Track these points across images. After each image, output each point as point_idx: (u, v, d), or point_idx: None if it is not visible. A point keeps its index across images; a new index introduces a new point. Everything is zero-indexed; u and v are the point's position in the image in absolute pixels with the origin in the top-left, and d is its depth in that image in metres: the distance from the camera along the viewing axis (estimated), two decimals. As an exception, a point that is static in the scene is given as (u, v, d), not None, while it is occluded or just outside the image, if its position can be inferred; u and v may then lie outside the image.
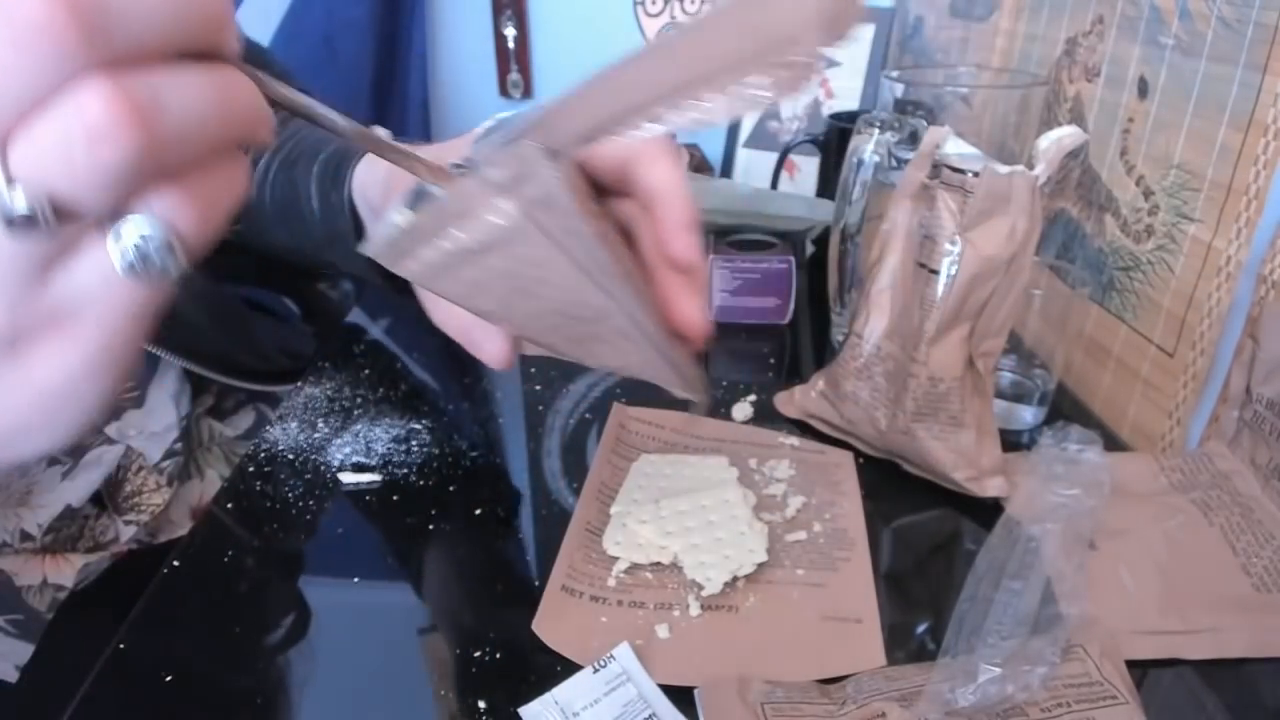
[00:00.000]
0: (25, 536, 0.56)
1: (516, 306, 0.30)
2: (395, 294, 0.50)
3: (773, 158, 0.92)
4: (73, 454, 0.59)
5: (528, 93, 1.21)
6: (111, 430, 0.60)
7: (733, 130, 1.12)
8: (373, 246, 0.28)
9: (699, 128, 0.26)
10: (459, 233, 0.27)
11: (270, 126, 0.22)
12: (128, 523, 0.61)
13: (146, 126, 0.18)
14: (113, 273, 0.20)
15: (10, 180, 0.18)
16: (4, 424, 0.24)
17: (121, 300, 0.22)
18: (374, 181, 0.48)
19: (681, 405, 0.59)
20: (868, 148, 0.58)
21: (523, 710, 0.37)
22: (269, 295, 0.77)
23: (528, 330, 0.32)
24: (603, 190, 0.34)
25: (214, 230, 0.21)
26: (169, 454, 0.63)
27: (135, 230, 0.20)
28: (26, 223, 0.18)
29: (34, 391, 0.23)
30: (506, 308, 0.30)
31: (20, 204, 0.18)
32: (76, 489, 0.58)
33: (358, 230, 0.51)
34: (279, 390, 0.73)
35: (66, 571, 0.58)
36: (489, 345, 0.37)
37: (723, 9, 0.24)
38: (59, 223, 0.19)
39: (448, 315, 0.39)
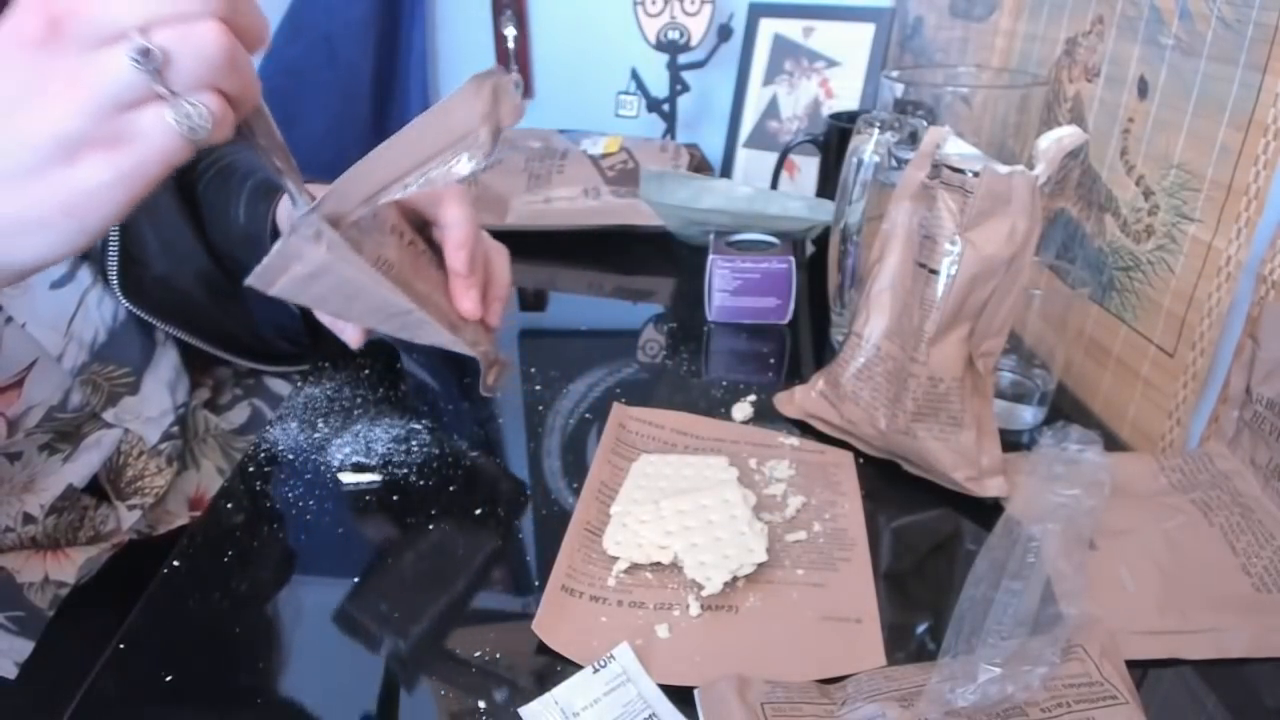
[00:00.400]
0: (28, 519, 0.57)
1: (352, 308, 0.47)
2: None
3: (773, 158, 0.92)
4: (72, 440, 0.60)
5: (528, 92, 1.21)
6: (109, 415, 0.61)
7: (733, 130, 1.12)
8: (251, 277, 0.43)
9: (431, 187, 0.43)
10: (298, 267, 0.43)
11: (250, 108, 0.37)
12: (131, 507, 0.62)
13: (227, 50, 0.32)
14: (164, 123, 0.32)
15: (147, 39, 0.31)
16: (32, 214, 0.33)
17: (159, 142, 0.33)
18: (285, 208, 0.60)
19: (681, 406, 0.60)
20: (868, 148, 0.58)
21: (523, 710, 0.37)
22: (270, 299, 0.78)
23: (366, 322, 0.50)
24: (426, 223, 0.52)
25: (222, 134, 0.34)
26: (166, 436, 0.65)
27: (188, 105, 0.32)
28: (145, 57, 0.30)
29: (69, 190, 0.32)
30: (346, 309, 0.47)
31: (149, 48, 0.31)
32: (78, 470, 0.59)
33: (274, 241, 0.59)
34: (272, 371, 0.75)
35: (68, 568, 0.58)
36: (348, 332, 0.54)
37: (421, 119, 0.42)
38: (158, 71, 0.31)
39: (321, 315, 0.54)
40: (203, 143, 0.33)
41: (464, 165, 0.41)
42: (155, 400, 0.64)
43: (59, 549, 0.59)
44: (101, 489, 0.62)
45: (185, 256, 0.65)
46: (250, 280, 0.43)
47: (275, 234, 0.61)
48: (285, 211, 0.60)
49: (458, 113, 0.41)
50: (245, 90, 0.35)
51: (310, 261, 0.43)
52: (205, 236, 0.67)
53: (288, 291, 0.44)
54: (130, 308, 0.61)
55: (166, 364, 0.67)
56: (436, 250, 0.53)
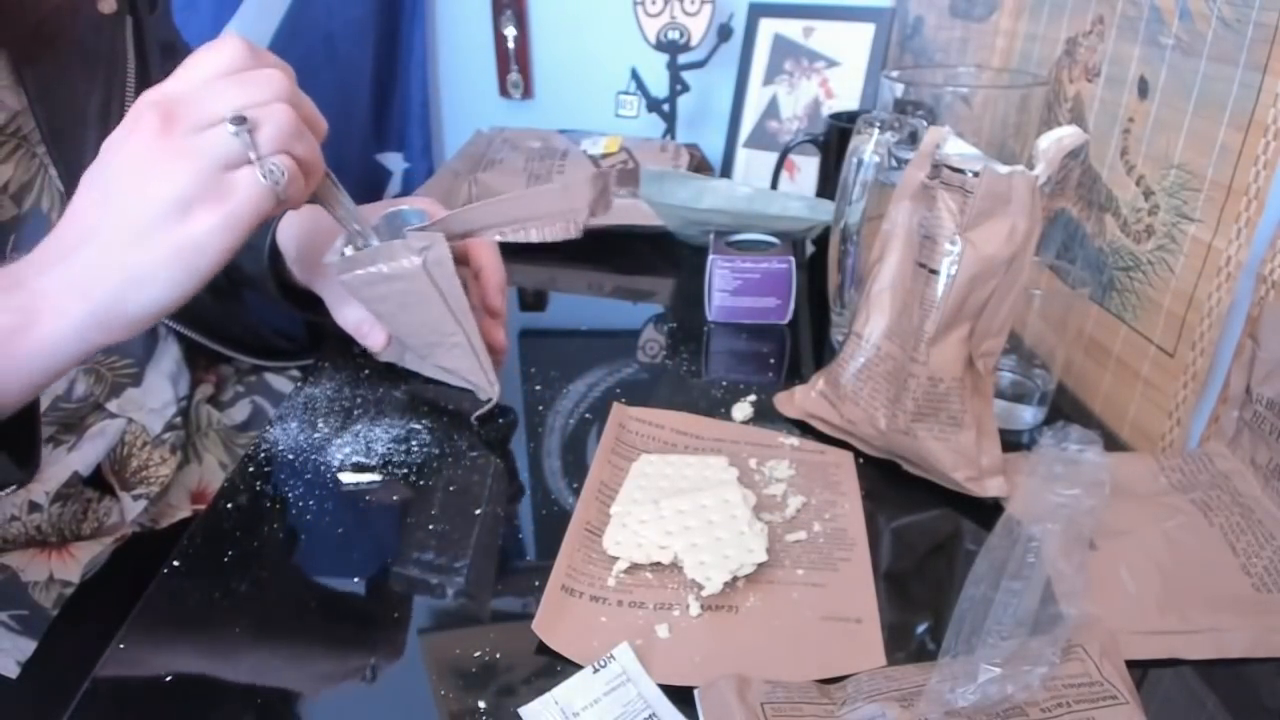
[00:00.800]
0: (33, 507, 0.58)
1: (399, 316, 0.54)
2: (282, 301, 0.66)
3: (773, 158, 0.92)
4: (75, 430, 0.61)
5: (528, 93, 1.21)
6: (112, 406, 0.63)
7: (733, 130, 1.12)
8: (331, 261, 0.51)
9: (520, 240, 0.52)
10: (383, 266, 0.50)
11: (318, 177, 0.46)
12: (136, 497, 0.63)
13: (295, 122, 0.42)
14: (255, 178, 0.41)
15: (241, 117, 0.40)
16: (149, 267, 0.40)
17: (252, 193, 0.41)
18: (290, 225, 0.64)
19: (681, 406, 0.60)
20: (868, 148, 0.58)
21: (523, 710, 0.37)
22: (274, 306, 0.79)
23: (399, 332, 0.57)
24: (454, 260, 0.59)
25: (296, 190, 0.43)
26: (169, 427, 0.66)
27: (272, 163, 0.41)
28: (240, 124, 0.40)
29: (182, 240, 0.40)
30: (393, 316, 0.55)
31: (243, 115, 0.40)
32: (82, 457, 0.61)
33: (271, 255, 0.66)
34: (272, 367, 0.77)
35: (72, 568, 0.59)
36: (374, 336, 0.59)
37: (544, 189, 0.51)
38: (250, 134, 0.40)
39: (345, 318, 0.60)
40: (282, 196, 0.42)
41: (562, 232, 0.51)
42: (157, 392, 0.66)
43: (64, 547, 0.60)
44: (105, 482, 0.63)
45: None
46: (328, 258, 0.52)
47: (275, 248, 0.64)
48: (287, 226, 0.64)
49: (573, 192, 0.50)
50: (311, 157, 0.44)
51: (396, 266, 0.50)
52: None
53: (356, 282, 0.52)
54: None
55: (168, 358, 0.68)
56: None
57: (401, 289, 0.51)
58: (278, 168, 0.41)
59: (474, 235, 0.52)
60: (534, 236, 0.51)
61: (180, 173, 0.39)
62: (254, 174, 0.41)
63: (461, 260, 0.58)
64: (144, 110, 0.40)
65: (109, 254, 0.40)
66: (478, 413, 0.57)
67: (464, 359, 0.55)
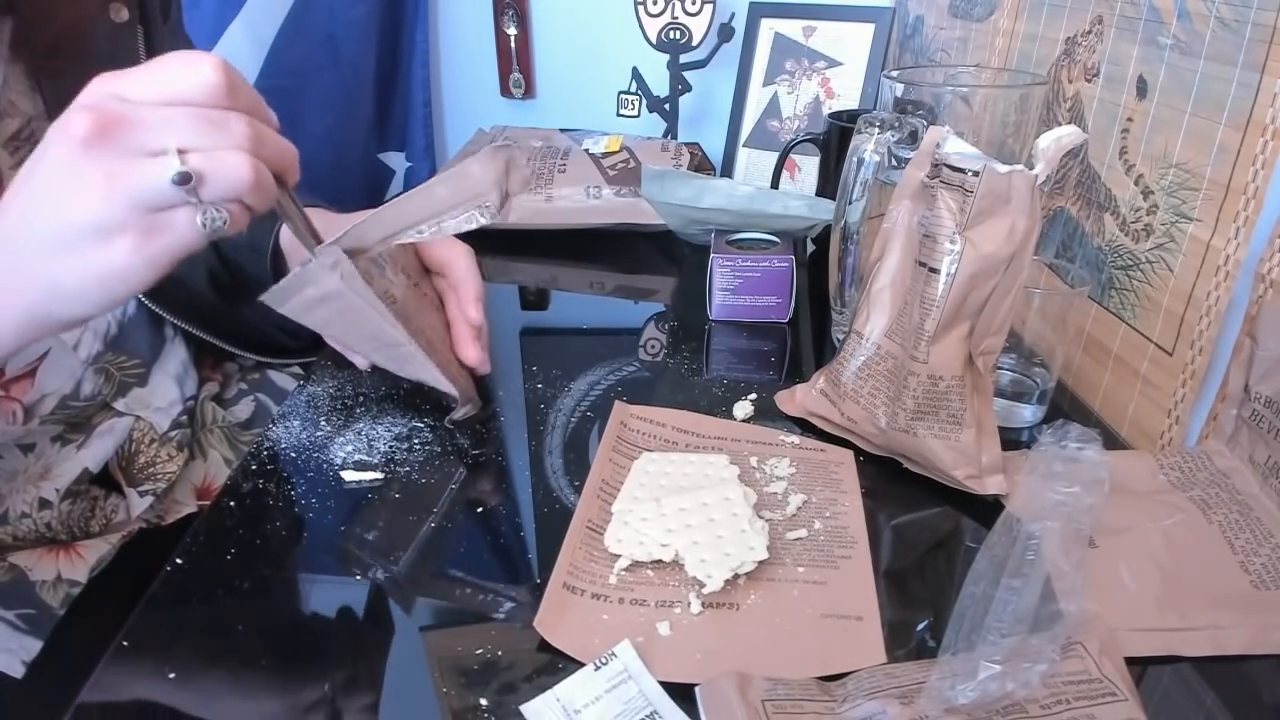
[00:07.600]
0: (43, 504, 0.59)
1: (350, 333, 0.53)
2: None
3: (773, 157, 0.92)
4: (83, 430, 0.61)
5: (529, 92, 1.21)
6: (119, 405, 0.63)
7: (734, 130, 1.12)
8: (267, 294, 0.49)
9: (441, 236, 0.50)
10: (311, 290, 0.49)
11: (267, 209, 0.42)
12: (143, 493, 0.63)
13: (252, 178, 0.38)
14: (191, 223, 0.38)
15: (184, 164, 0.36)
16: (71, 286, 0.38)
17: (184, 236, 0.38)
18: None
19: (682, 404, 0.60)
20: (868, 147, 0.58)
21: (524, 708, 0.37)
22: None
23: (362, 349, 0.56)
24: (429, 271, 0.61)
25: (237, 230, 0.40)
26: (176, 425, 0.67)
27: (213, 210, 0.38)
28: (184, 181, 0.36)
29: (103, 266, 0.37)
30: (345, 334, 0.54)
31: (183, 169, 0.36)
32: (93, 454, 0.61)
33: (274, 255, 0.66)
34: (277, 364, 0.77)
35: (80, 567, 0.59)
36: (357, 357, 0.60)
37: (443, 177, 0.49)
38: (189, 187, 0.37)
39: (333, 340, 0.60)
40: (219, 236, 0.39)
41: (474, 220, 0.49)
42: (163, 392, 0.66)
43: (72, 545, 0.60)
44: (112, 479, 0.63)
45: (197, 258, 0.68)
46: (265, 297, 0.49)
47: (278, 249, 0.64)
48: (289, 232, 0.63)
49: (474, 176, 0.48)
50: (265, 201, 0.41)
51: (322, 286, 0.49)
52: (214, 243, 0.69)
53: (296, 310, 0.50)
54: (147, 303, 0.65)
55: (174, 359, 0.69)
56: (439, 298, 0.60)
57: (337, 309, 0.50)
58: (220, 216, 0.38)
59: (392, 240, 0.50)
60: (449, 229, 0.49)
61: (104, 199, 0.36)
62: (191, 217, 0.38)
63: (438, 272, 0.60)
64: (76, 112, 0.36)
65: (26, 266, 0.38)
66: (451, 416, 0.58)
67: (425, 369, 0.54)
